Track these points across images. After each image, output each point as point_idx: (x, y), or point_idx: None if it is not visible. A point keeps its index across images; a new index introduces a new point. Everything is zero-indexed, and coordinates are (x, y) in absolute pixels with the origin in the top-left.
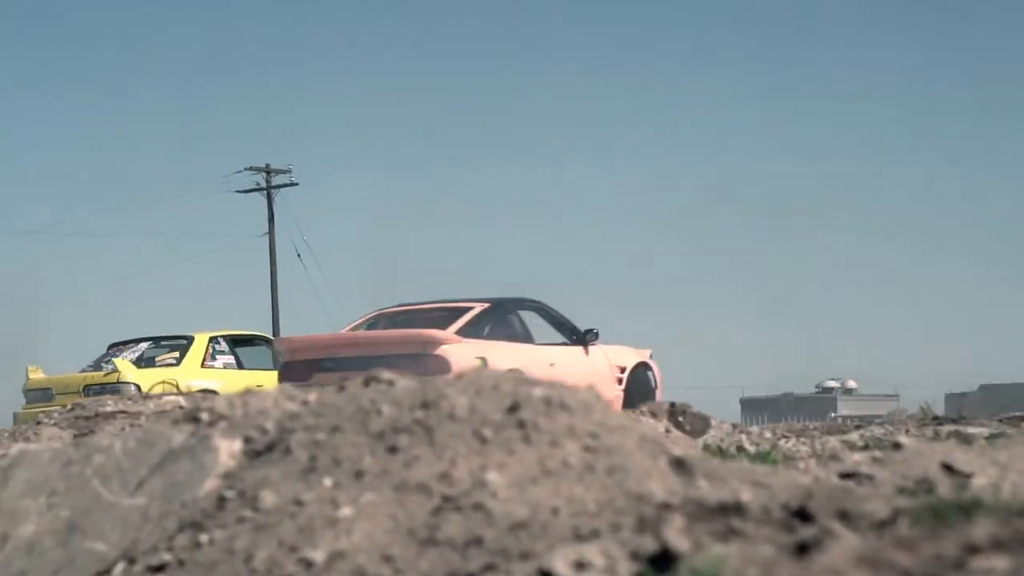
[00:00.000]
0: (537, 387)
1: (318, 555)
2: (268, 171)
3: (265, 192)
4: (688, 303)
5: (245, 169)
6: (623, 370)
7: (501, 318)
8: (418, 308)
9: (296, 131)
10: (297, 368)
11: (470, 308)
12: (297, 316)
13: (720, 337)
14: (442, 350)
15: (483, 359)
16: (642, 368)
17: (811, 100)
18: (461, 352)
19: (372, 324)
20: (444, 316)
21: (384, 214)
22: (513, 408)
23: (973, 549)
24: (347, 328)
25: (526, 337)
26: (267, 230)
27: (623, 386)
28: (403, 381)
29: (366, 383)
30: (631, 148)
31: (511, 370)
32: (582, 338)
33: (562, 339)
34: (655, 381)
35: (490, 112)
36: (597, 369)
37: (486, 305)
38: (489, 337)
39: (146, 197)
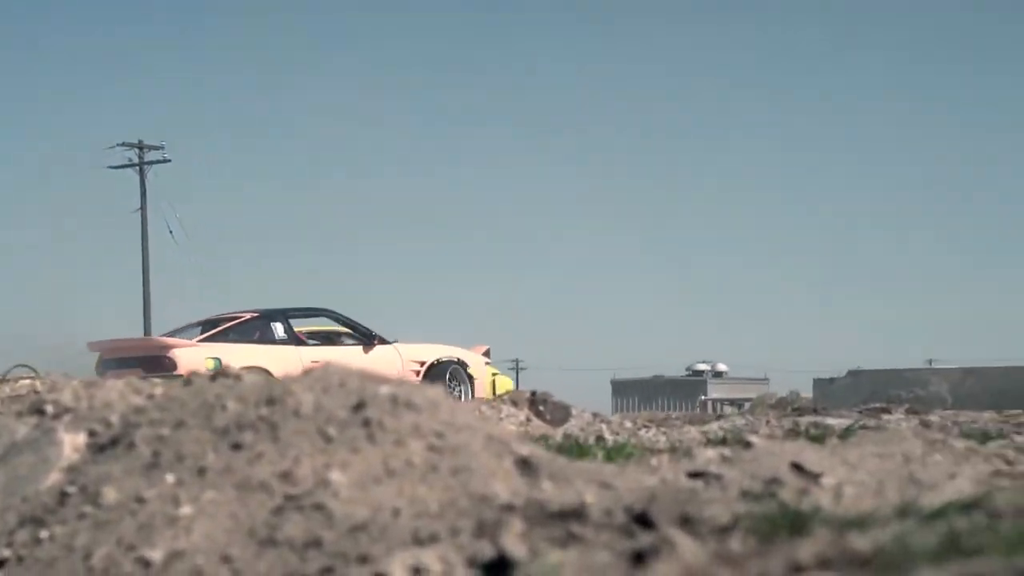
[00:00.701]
0: (384, 385)
1: (156, 554)
2: (141, 147)
3: (138, 168)
4: (562, 285)
5: (118, 145)
6: (422, 364)
7: (266, 326)
8: (211, 318)
9: (171, 108)
10: (103, 365)
11: (236, 318)
12: (169, 292)
13: (593, 319)
14: (173, 353)
15: (216, 359)
16: (446, 363)
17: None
18: (190, 355)
19: (191, 330)
20: (211, 324)
21: (258, 193)
22: (359, 406)
23: (798, 568)
24: (168, 332)
25: (290, 340)
26: (139, 206)
27: (419, 379)
28: (250, 376)
29: (213, 378)
30: (505, 139)
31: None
32: (367, 338)
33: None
34: (462, 375)
35: (373, 92)
36: (377, 365)
37: (254, 315)
38: (259, 341)
39: (16, 174)
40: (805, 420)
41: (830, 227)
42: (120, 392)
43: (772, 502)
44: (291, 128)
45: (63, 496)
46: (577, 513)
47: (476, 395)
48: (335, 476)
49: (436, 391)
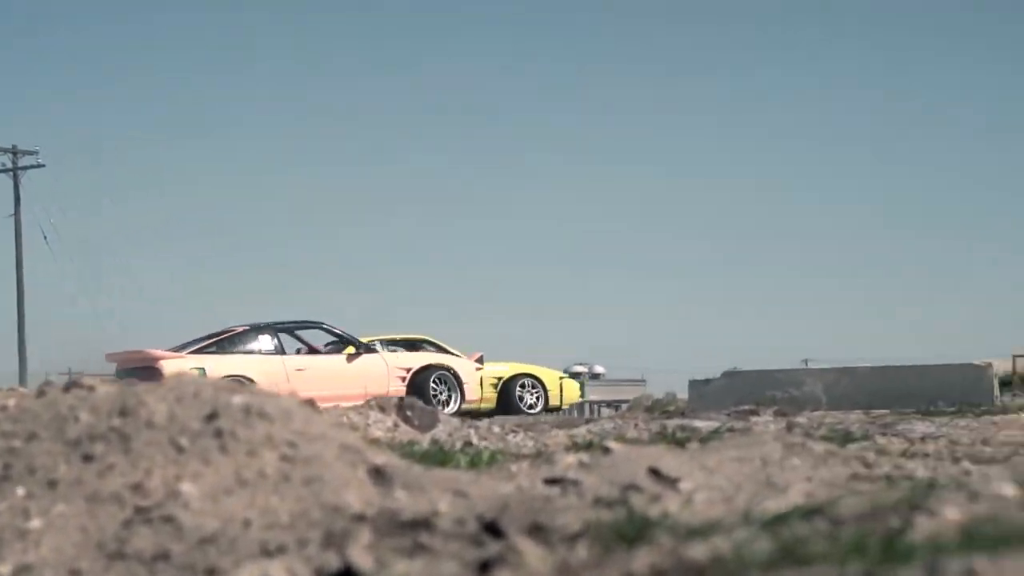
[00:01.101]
0: (237, 395)
1: (4, 569)
2: (14, 152)
3: (11, 173)
4: (447, 284)
5: None
6: (408, 371)
7: (254, 338)
8: (217, 331)
9: (45, 112)
10: (116, 374)
11: (228, 332)
12: (44, 299)
13: (472, 319)
14: (160, 363)
15: (202, 369)
16: (431, 369)
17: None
18: (176, 365)
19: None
20: (211, 337)
21: (138, 198)
22: (212, 416)
23: None
24: (183, 344)
25: (276, 351)
26: (13, 211)
27: (406, 383)
28: (104, 387)
29: (67, 388)
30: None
31: (230, 376)
32: (356, 347)
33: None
34: (451, 381)
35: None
36: (361, 372)
37: (245, 328)
38: (247, 352)
39: None
40: (673, 423)
41: (712, 227)
42: None
43: (623, 509)
44: (176, 128)
45: None
46: (427, 523)
47: (467, 400)
48: (186, 487)
49: (289, 400)
